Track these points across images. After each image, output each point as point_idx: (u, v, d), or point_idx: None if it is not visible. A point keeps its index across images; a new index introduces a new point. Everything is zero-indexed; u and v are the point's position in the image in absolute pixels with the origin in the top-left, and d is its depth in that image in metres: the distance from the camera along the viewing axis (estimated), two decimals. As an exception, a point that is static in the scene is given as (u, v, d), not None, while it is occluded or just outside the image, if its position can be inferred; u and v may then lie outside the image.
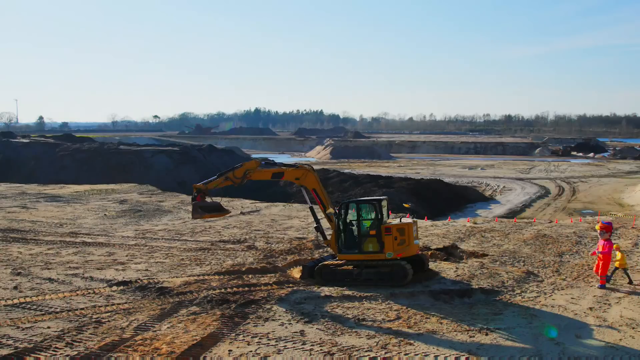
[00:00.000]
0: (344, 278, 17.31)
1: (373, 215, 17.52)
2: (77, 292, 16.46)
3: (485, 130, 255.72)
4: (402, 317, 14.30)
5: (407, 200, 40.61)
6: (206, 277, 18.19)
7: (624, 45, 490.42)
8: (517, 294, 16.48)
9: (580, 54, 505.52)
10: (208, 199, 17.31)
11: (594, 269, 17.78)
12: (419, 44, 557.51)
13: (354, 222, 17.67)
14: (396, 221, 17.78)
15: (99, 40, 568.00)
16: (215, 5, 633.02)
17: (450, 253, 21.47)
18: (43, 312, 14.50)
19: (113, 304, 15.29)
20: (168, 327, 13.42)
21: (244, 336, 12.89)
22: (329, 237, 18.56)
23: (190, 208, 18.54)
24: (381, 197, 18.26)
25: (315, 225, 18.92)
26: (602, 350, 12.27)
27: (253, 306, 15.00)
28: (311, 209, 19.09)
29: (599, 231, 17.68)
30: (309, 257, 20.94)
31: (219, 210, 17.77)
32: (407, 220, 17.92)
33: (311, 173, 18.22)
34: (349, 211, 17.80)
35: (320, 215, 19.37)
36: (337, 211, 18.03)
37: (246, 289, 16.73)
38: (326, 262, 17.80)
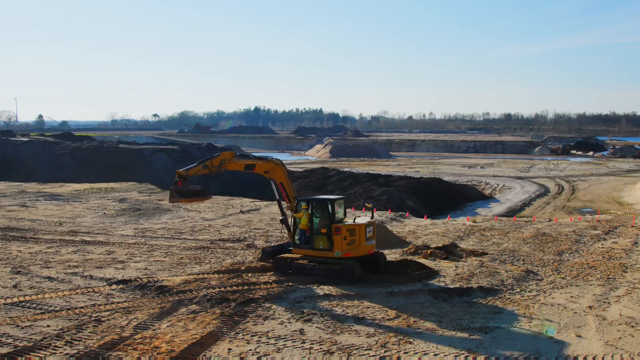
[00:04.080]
0: (297, 271, 18.01)
1: (325, 214, 17.89)
2: (77, 290, 16.46)
3: (485, 129, 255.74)
4: (401, 315, 14.31)
5: (406, 198, 40.61)
6: (206, 275, 18.21)
7: (623, 44, 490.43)
8: (516, 292, 16.50)
9: (580, 52, 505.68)
10: (192, 188, 17.94)
11: None
12: (419, 43, 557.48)
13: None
14: (350, 221, 18.09)
15: (99, 39, 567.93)
16: (215, 4, 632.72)
17: (449, 252, 21.51)
18: (42, 311, 14.50)
19: (112, 303, 15.29)
20: (168, 326, 13.43)
21: (243, 335, 12.89)
22: None
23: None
24: (336, 197, 18.64)
25: (281, 217, 19.52)
26: (602, 349, 12.28)
27: (252, 305, 15.02)
28: (279, 202, 19.56)
29: None
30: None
31: (198, 195, 18.56)
32: (362, 220, 18.18)
33: (280, 167, 18.90)
34: (304, 208, 18.31)
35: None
36: (294, 207, 18.64)
37: (246, 287, 16.74)
38: (283, 255, 18.71)
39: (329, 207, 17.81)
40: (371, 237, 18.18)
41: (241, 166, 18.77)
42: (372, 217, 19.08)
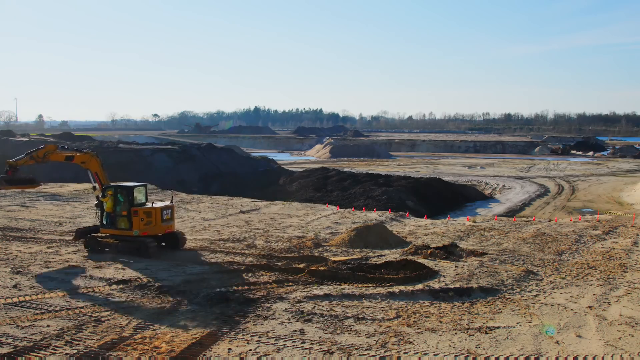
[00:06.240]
0: (105, 248, 20.99)
1: (126, 199, 20.70)
2: (77, 290, 16.45)
3: (485, 129, 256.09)
4: (401, 315, 14.31)
5: (406, 198, 40.64)
6: (205, 275, 18.20)
7: (623, 44, 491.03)
8: (516, 292, 16.50)
9: (580, 52, 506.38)
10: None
11: None
12: (419, 43, 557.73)
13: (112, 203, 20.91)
14: (149, 205, 21.11)
15: (99, 39, 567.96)
16: (215, 4, 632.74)
17: (449, 252, 21.49)
18: (42, 311, 14.49)
19: (112, 303, 15.28)
20: (168, 326, 13.43)
21: (243, 335, 12.89)
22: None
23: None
24: (136, 184, 21.53)
25: (96, 202, 21.85)
26: (602, 349, 12.28)
27: (252, 305, 15.02)
28: (94, 188, 22.07)
29: None
30: (309, 254, 21.06)
31: (28, 183, 20.59)
32: (160, 204, 21.37)
33: (94, 159, 21.61)
34: (109, 194, 20.89)
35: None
36: (101, 193, 21.08)
37: (246, 287, 16.74)
38: (93, 235, 21.45)
39: (129, 193, 20.67)
40: (169, 219, 21.39)
41: (62, 157, 21.03)
42: (171, 202, 22.02)
